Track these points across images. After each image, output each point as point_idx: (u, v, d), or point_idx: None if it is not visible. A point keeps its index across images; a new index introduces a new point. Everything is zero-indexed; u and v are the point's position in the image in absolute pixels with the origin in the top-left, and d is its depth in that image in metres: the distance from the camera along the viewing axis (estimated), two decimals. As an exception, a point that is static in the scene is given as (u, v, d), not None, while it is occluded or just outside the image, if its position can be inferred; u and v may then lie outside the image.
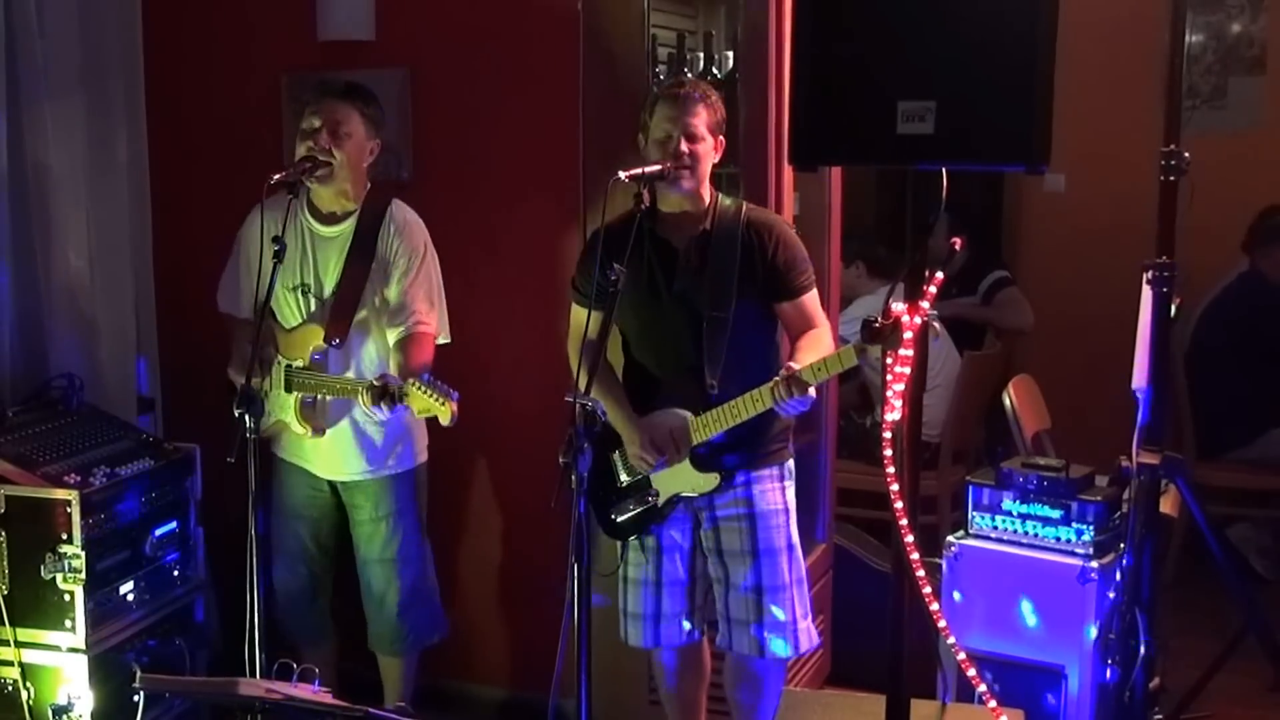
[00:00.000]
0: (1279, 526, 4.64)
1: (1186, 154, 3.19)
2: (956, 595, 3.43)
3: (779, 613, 3.02)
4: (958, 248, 2.26)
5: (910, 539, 2.36)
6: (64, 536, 3.12)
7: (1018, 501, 3.41)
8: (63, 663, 3.17)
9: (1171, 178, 3.20)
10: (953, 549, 3.47)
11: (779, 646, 3.01)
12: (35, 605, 3.15)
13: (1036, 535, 3.39)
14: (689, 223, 2.98)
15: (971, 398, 4.91)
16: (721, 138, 2.95)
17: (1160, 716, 3.48)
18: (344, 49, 3.76)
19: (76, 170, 3.68)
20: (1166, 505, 3.43)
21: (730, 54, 3.48)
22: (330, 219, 3.31)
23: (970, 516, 3.50)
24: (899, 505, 2.33)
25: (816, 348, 2.88)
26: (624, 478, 3.07)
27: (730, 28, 3.65)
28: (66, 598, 3.14)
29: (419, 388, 2.98)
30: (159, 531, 3.42)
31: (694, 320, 2.94)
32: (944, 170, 2.23)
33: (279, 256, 2.97)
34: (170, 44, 3.96)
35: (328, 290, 3.30)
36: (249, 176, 3.21)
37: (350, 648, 3.61)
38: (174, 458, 3.50)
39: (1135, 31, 5.36)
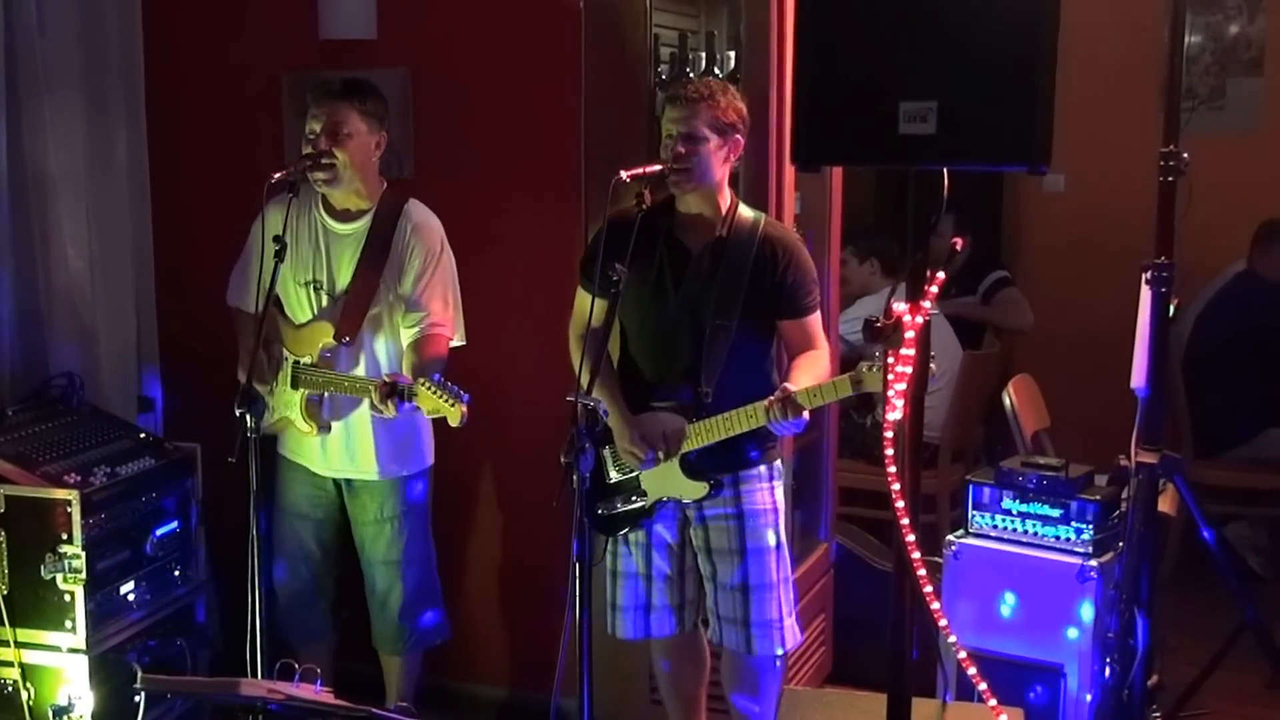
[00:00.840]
0: (1275, 525, 4.65)
1: (1185, 155, 3.20)
2: (956, 594, 3.44)
3: (766, 610, 3.02)
4: (958, 248, 2.26)
5: (911, 538, 2.36)
6: (64, 536, 3.11)
7: (1017, 500, 3.42)
8: (63, 663, 3.16)
9: (1170, 178, 3.21)
10: (953, 548, 3.48)
11: (767, 643, 3.02)
12: (35, 605, 3.15)
13: (1036, 534, 3.40)
14: (705, 227, 2.98)
15: (971, 397, 4.91)
16: (738, 137, 2.92)
17: (1158, 714, 3.49)
18: (345, 48, 3.75)
19: (76, 170, 3.67)
20: (1165, 504, 3.44)
21: (732, 54, 3.47)
22: (345, 216, 3.30)
23: (970, 515, 3.51)
24: (900, 504, 2.34)
25: (813, 370, 2.90)
26: (614, 475, 3.08)
27: (732, 27, 3.65)
28: (67, 598, 3.13)
29: (429, 388, 2.97)
30: (160, 531, 3.41)
31: (697, 325, 2.94)
32: (945, 170, 2.23)
33: (280, 256, 2.96)
34: (171, 43, 3.94)
35: (340, 287, 3.28)
36: (250, 176, 3.19)
37: (352, 647, 3.61)
38: (175, 457, 3.50)
39: (1135, 33, 5.37)
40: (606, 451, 3.08)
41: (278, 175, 3.03)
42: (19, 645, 3.16)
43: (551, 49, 3.57)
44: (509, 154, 3.68)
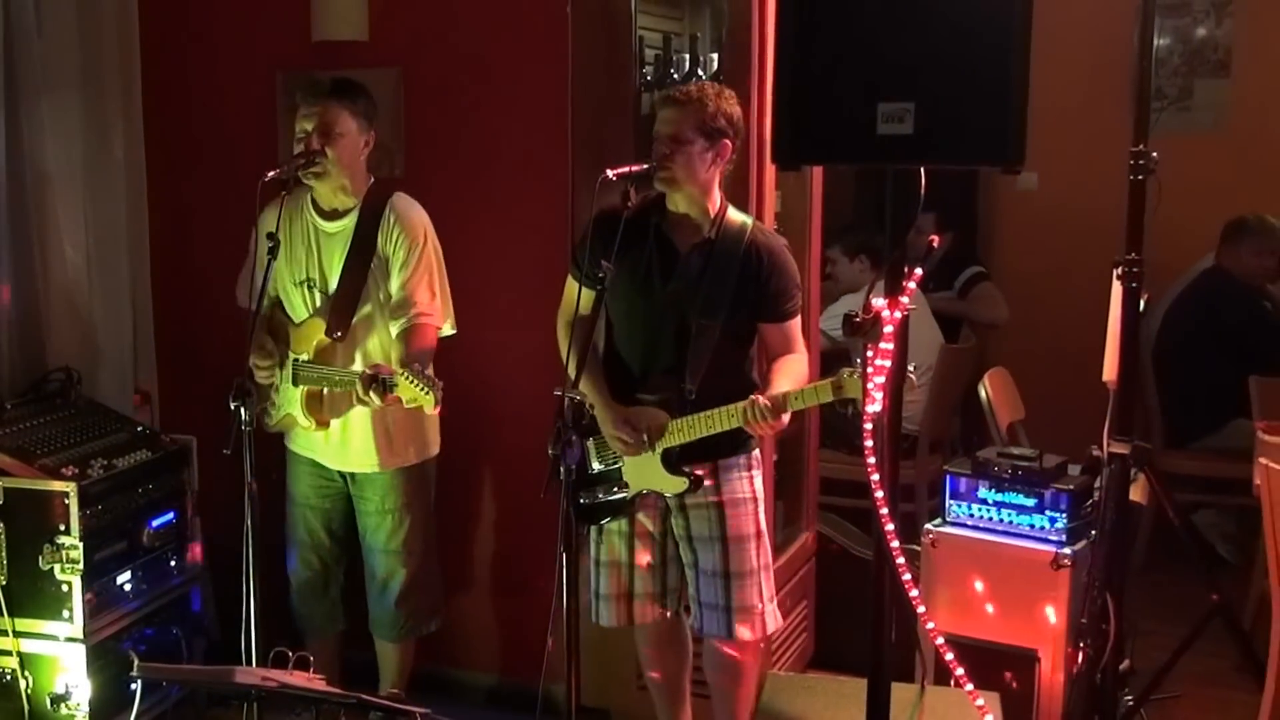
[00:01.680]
0: (1243, 512, 4.65)
1: (1154, 154, 3.20)
2: (934, 581, 3.44)
3: (747, 596, 3.02)
4: (935, 245, 2.26)
5: (890, 527, 2.36)
6: (62, 528, 3.10)
7: (993, 490, 3.42)
8: (61, 652, 3.15)
9: (1140, 177, 3.21)
10: (931, 536, 3.48)
11: (747, 629, 3.01)
12: (33, 595, 3.13)
13: (1011, 522, 3.39)
14: (694, 228, 2.96)
15: (948, 389, 4.91)
16: (726, 141, 2.89)
17: (1130, 697, 3.50)
18: (338, 49, 3.73)
19: (74, 168, 3.65)
20: (1136, 493, 3.43)
21: (715, 55, 3.46)
22: (332, 215, 3.28)
23: (947, 505, 3.50)
24: (880, 494, 2.33)
25: (793, 373, 2.91)
26: (596, 465, 3.06)
27: (715, 30, 3.64)
28: (64, 588, 3.12)
29: (407, 377, 2.95)
30: (156, 522, 3.40)
31: (682, 324, 2.93)
32: (923, 169, 2.23)
33: (273, 253, 2.94)
34: (167, 44, 3.92)
35: (332, 285, 3.27)
36: (245, 174, 3.17)
37: (354, 637, 3.61)
38: (171, 449, 3.48)
39: (1105, 36, 5.37)
40: (590, 442, 3.06)
41: (271, 173, 3.02)
42: (17, 635, 3.15)
43: (539, 51, 3.55)
44: (498, 153, 3.66)
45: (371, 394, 2.97)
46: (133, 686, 3.17)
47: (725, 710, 3.17)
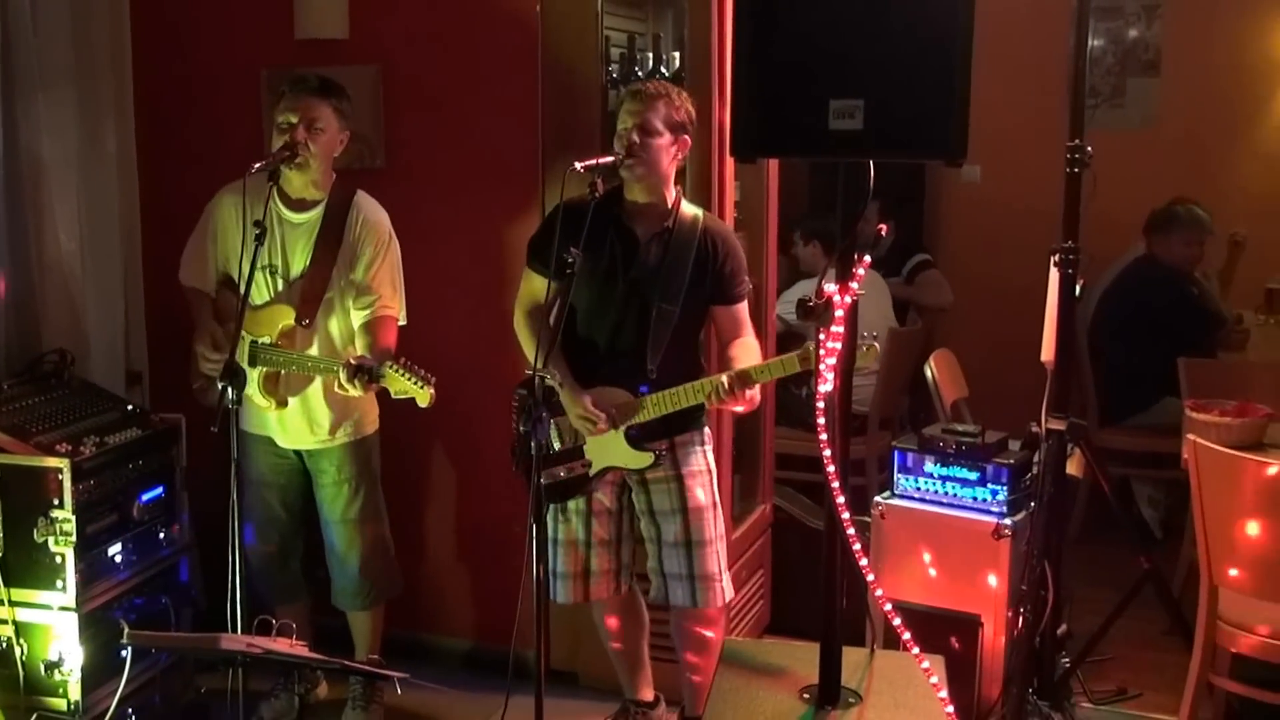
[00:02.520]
0: (1171, 485, 4.67)
1: (1089, 148, 3.19)
2: (883, 551, 3.43)
3: (708, 564, 3.00)
4: (883, 233, 2.23)
5: (841, 500, 2.33)
6: (55, 502, 3.05)
7: (938, 464, 3.41)
8: (54, 621, 3.10)
9: (1076, 170, 3.20)
10: (880, 508, 3.47)
11: (711, 595, 3.00)
12: (28, 567, 3.08)
13: (955, 495, 3.39)
14: (652, 217, 2.94)
15: (897, 370, 4.91)
16: (686, 137, 2.89)
17: (1067, 659, 3.51)
18: (320, 46, 3.67)
19: (68, 160, 3.60)
20: (1072, 467, 3.43)
21: (677, 54, 3.43)
22: (300, 205, 3.24)
23: (895, 478, 3.49)
24: (831, 469, 2.31)
25: (750, 355, 2.91)
26: (557, 445, 3.02)
27: (677, 30, 3.60)
28: (58, 559, 3.07)
29: (397, 370, 2.95)
30: (146, 497, 3.34)
31: (644, 307, 2.91)
32: (871, 163, 2.20)
33: (260, 240, 2.90)
34: (157, 42, 3.85)
35: (295, 272, 3.24)
36: (231, 165, 3.14)
37: (324, 605, 3.57)
38: (160, 428, 3.42)
39: (1043, 37, 5.37)
40: (552, 423, 3.02)
41: (258, 165, 2.99)
42: (12, 604, 3.10)
43: (511, 49, 3.50)
44: (472, 145, 3.61)
45: (356, 383, 2.95)
46: (123, 653, 3.15)
47: (693, 675, 3.15)
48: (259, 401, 3.23)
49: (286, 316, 3.21)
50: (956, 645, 3.26)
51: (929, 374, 4.35)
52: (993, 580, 3.30)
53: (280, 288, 3.25)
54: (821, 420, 2.35)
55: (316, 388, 3.27)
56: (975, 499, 3.35)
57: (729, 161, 3.34)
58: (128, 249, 3.82)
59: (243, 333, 3.21)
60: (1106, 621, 3.52)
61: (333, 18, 3.64)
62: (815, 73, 2.14)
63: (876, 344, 2.45)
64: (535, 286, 2.99)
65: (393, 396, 3.00)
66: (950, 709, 2.40)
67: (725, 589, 3.03)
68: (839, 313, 2.21)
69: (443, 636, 3.84)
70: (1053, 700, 3.38)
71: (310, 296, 3.21)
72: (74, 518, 3.05)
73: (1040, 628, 3.30)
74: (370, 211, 3.26)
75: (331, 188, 3.26)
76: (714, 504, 3.03)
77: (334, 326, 3.26)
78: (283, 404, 3.25)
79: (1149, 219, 4.90)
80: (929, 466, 3.42)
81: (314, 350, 3.23)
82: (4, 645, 3.12)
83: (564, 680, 3.54)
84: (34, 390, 3.36)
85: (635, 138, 2.82)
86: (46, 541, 3.06)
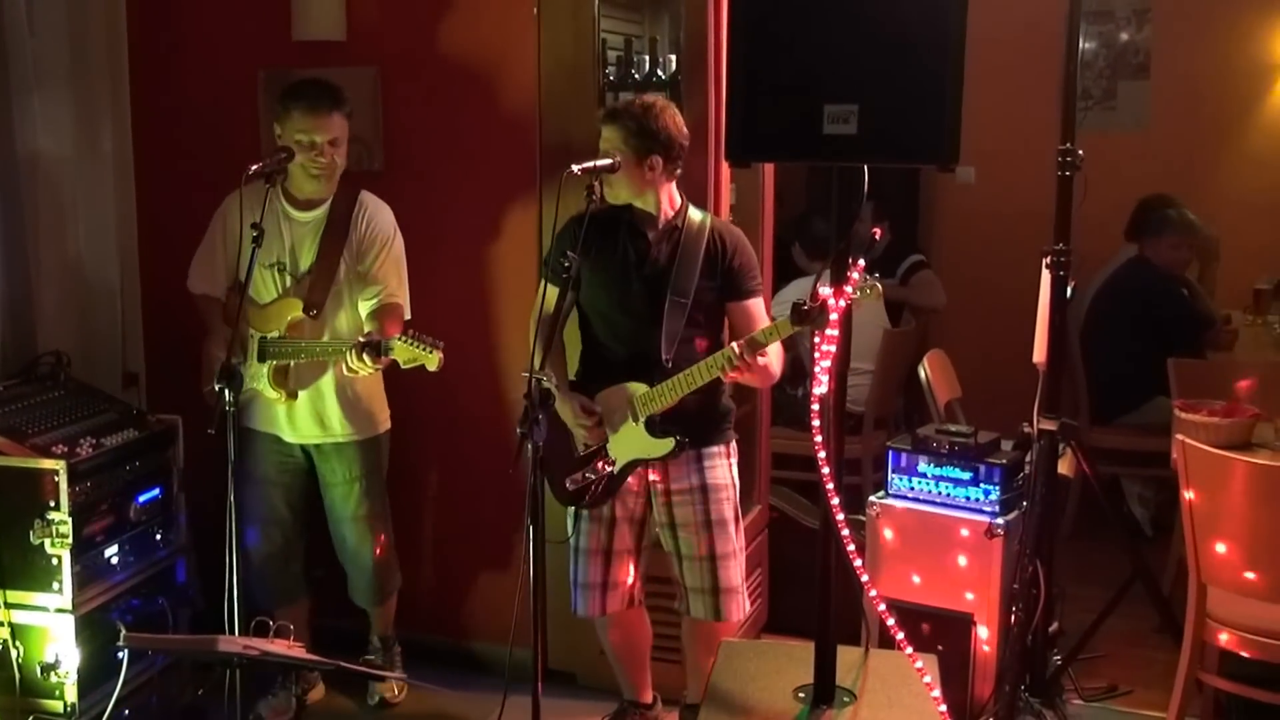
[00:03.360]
0: (1161, 484, 4.69)
1: (1080, 151, 3.21)
2: (877, 550, 3.43)
3: (731, 578, 3.01)
4: (878, 237, 2.25)
5: (836, 501, 2.35)
6: (52, 504, 3.04)
7: (932, 464, 3.41)
8: (50, 623, 3.09)
9: (1068, 173, 3.22)
10: (874, 508, 3.48)
11: (732, 609, 3.01)
12: (24, 569, 3.08)
13: (948, 495, 3.39)
14: (661, 220, 2.98)
15: (891, 370, 4.92)
16: (654, 159, 2.86)
17: (1059, 657, 3.53)
18: (317, 48, 3.67)
19: (65, 160, 3.60)
20: (1064, 467, 3.45)
21: (673, 57, 3.44)
22: (307, 205, 3.29)
23: (890, 478, 3.49)
24: (826, 471, 2.32)
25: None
26: (582, 448, 3.03)
27: (673, 34, 3.60)
28: (54, 561, 3.06)
29: (403, 340, 2.98)
30: (142, 498, 3.34)
31: (657, 301, 2.93)
32: (865, 167, 2.22)
33: (258, 241, 2.91)
34: (153, 42, 3.85)
35: (303, 268, 3.28)
36: (227, 166, 3.14)
37: (326, 605, 3.57)
38: (156, 429, 3.42)
39: (1035, 41, 5.36)
40: (575, 433, 3.03)
41: (254, 167, 3.00)
42: (8, 606, 3.09)
43: (509, 51, 3.51)
44: (470, 147, 3.62)
45: (365, 358, 2.99)
46: (120, 655, 3.13)
47: (701, 669, 3.14)
48: (269, 394, 3.26)
49: (294, 309, 3.24)
50: (949, 643, 3.27)
51: (923, 374, 4.37)
52: (985, 579, 3.30)
53: (288, 284, 3.29)
54: (817, 422, 2.36)
55: (327, 383, 3.30)
56: (968, 499, 3.36)
57: (724, 166, 3.34)
58: (124, 250, 3.81)
59: (251, 330, 3.27)
60: (1097, 619, 3.54)
61: (330, 19, 3.64)
62: (810, 78, 2.15)
63: (879, 284, 2.44)
64: (548, 296, 3.01)
65: (403, 367, 3.02)
66: (943, 708, 2.41)
67: (744, 603, 3.05)
68: (833, 316, 2.22)
69: (440, 637, 3.84)
70: (1044, 697, 3.40)
71: (318, 289, 3.26)
72: (70, 519, 3.04)
73: (1032, 626, 3.31)
74: (376, 209, 3.33)
75: (338, 187, 3.31)
76: (736, 518, 3.04)
77: (342, 320, 3.31)
78: (293, 396, 3.27)
79: (1135, 220, 4.92)
80: (923, 466, 3.43)
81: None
82: (0, 647, 3.11)
83: (561, 680, 3.55)
84: (30, 391, 3.36)
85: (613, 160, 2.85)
86: (43, 543, 3.05)
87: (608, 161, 2.83)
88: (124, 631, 3.12)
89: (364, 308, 3.29)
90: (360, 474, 3.39)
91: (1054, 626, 3.50)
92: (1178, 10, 5.65)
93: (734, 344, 2.77)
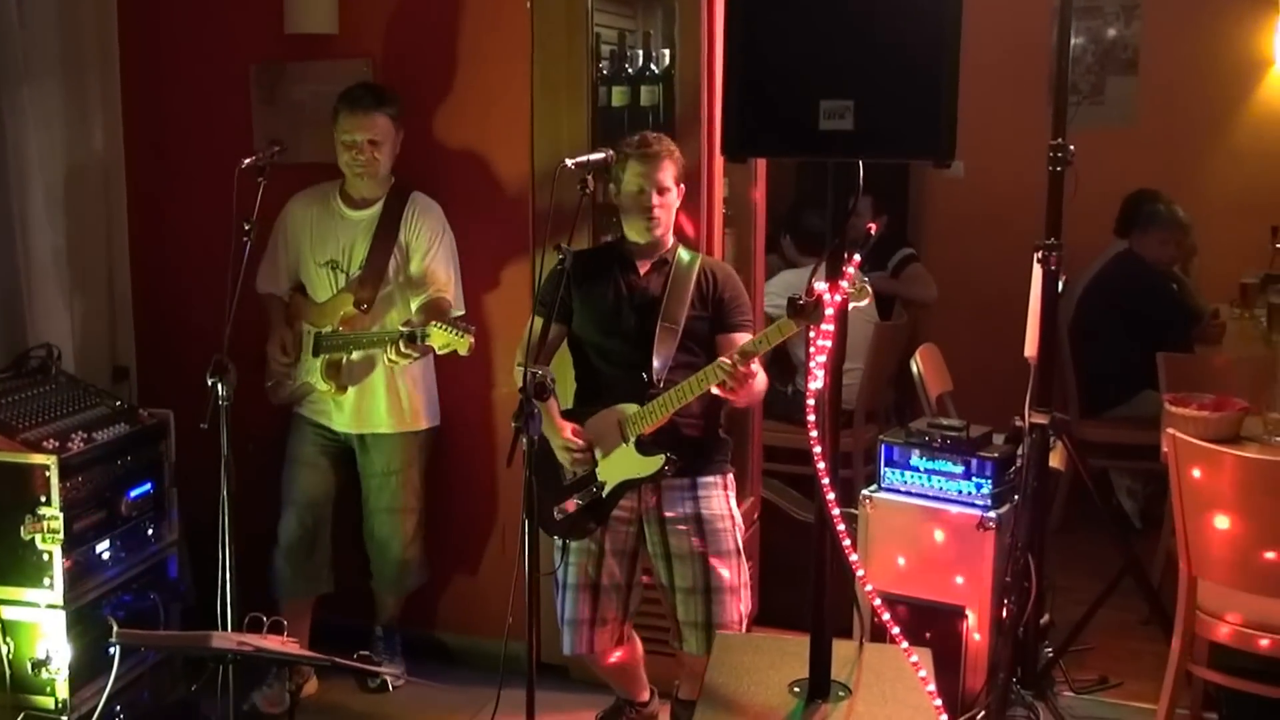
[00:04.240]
0: (1149, 476, 4.71)
1: (1072, 147, 3.22)
2: (870, 543, 3.44)
3: (727, 613, 2.98)
4: (873, 231, 2.24)
5: (832, 497, 2.34)
6: (43, 499, 3.03)
7: (924, 458, 3.42)
8: (41, 619, 3.08)
9: (1059, 168, 3.23)
10: (868, 501, 3.48)
11: None
12: (15, 564, 3.06)
13: (940, 488, 3.40)
14: (653, 253, 3.02)
15: (882, 364, 4.93)
16: (683, 186, 2.99)
17: (1050, 649, 3.54)
18: (309, 41, 3.66)
19: (55, 155, 3.58)
20: (1055, 460, 3.46)
21: (667, 52, 3.43)
22: (361, 204, 3.41)
23: (882, 472, 3.50)
24: (821, 466, 2.32)
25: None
26: (568, 476, 3.01)
27: (667, 28, 3.60)
28: (45, 557, 3.05)
29: (437, 326, 3.08)
30: (134, 493, 3.32)
31: (648, 327, 2.94)
32: (860, 162, 2.22)
33: (248, 236, 2.99)
34: (144, 36, 3.83)
35: (355, 266, 3.38)
36: (219, 160, 3.14)
37: (332, 601, 3.59)
38: (148, 424, 3.41)
39: (1022, 37, 5.41)
40: (560, 458, 3.01)
41: (247, 160, 3.03)
42: (0, 602, 3.07)
43: (501, 44, 3.51)
44: (463, 141, 3.61)
45: (404, 346, 3.11)
46: (111, 651, 3.13)
47: (696, 680, 3.13)
48: (321, 387, 3.37)
49: (346, 304, 3.35)
50: (941, 636, 3.27)
51: (915, 368, 4.38)
52: (977, 572, 3.31)
53: (342, 283, 3.39)
54: (811, 418, 2.35)
55: (378, 375, 3.40)
56: (960, 492, 3.37)
57: (718, 159, 3.34)
58: (113, 244, 3.80)
59: (308, 327, 3.41)
60: (1088, 612, 3.56)
61: (322, 12, 3.63)
62: (806, 73, 2.14)
63: (869, 285, 2.44)
64: (536, 328, 2.99)
65: (439, 351, 3.13)
66: (939, 702, 2.42)
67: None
68: (829, 310, 2.22)
69: (436, 631, 3.85)
70: (1036, 690, 3.42)
71: (369, 285, 3.35)
72: (61, 514, 3.03)
73: (1024, 618, 3.33)
74: (426, 207, 3.43)
75: (391, 187, 3.42)
76: (737, 550, 3.00)
77: (394, 316, 3.39)
78: (342, 389, 3.38)
79: (1123, 216, 4.94)
80: (915, 460, 3.44)
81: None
82: (-9, 643, 3.10)
83: (555, 674, 3.55)
84: (20, 385, 3.33)
85: (655, 200, 2.90)
86: (34, 539, 3.03)
87: (601, 155, 2.85)
88: (117, 629, 3.10)
89: (415, 303, 3.38)
90: (398, 467, 3.48)
91: (1045, 619, 3.51)
92: (1166, 6, 5.67)
93: (723, 358, 2.75)
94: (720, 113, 2.34)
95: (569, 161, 2.74)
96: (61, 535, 3.03)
